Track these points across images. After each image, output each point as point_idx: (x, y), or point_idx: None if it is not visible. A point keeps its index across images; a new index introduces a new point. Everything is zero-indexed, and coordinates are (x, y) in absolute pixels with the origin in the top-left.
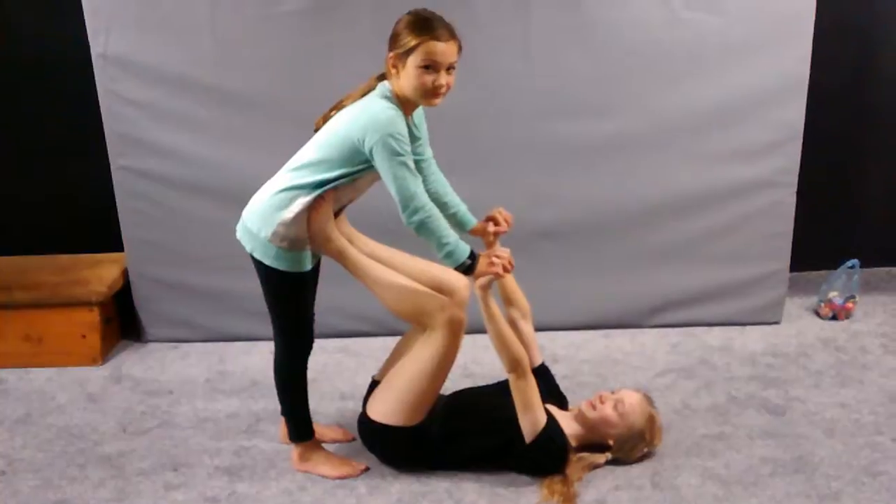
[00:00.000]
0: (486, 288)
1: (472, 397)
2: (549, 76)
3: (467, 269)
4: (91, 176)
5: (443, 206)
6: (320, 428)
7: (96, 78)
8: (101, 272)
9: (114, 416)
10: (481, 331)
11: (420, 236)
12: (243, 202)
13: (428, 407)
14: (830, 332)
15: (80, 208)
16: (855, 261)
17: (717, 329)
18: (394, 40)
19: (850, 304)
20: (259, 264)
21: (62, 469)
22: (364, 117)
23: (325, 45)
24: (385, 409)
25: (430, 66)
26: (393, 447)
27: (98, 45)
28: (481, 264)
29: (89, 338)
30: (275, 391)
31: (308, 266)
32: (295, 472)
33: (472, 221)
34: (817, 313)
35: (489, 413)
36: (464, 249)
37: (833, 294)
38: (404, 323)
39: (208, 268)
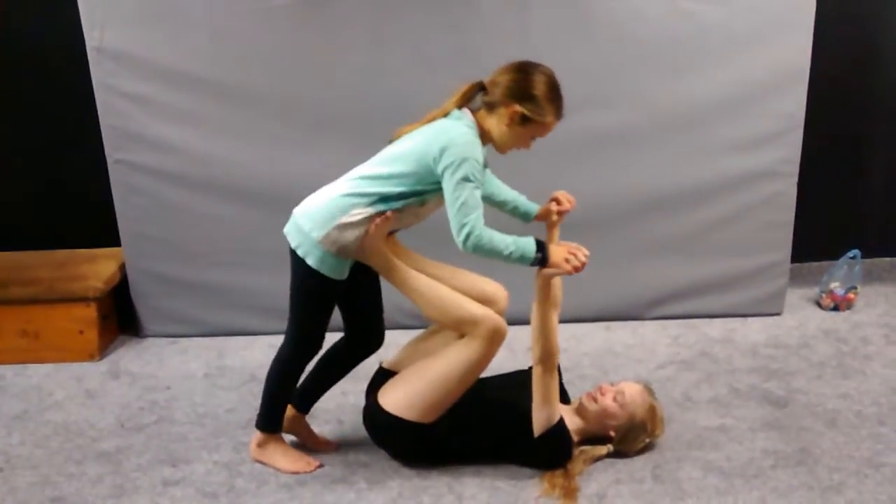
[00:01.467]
0: (550, 277)
1: (478, 389)
2: None
3: (538, 262)
4: (87, 170)
5: (500, 205)
6: (313, 435)
7: (92, 72)
8: (98, 267)
9: (112, 411)
10: None
11: (482, 257)
12: (239, 195)
13: (446, 409)
14: (832, 322)
15: (76, 203)
16: (856, 251)
17: (718, 321)
18: (528, 100)
19: (851, 295)
20: (300, 263)
21: (60, 465)
22: (445, 137)
23: (321, 38)
24: (401, 402)
25: (536, 138)
26: (401, 440)
27: (93, 38)
28: (558, 256)
29: (87, 333)
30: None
31: (345, 276)
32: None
33: (534, 208)
34: (819, 304)
35: (495, 405)
36: (529, 248)
37: (834, 285)
38: (408, 317)
39: (206, 262)
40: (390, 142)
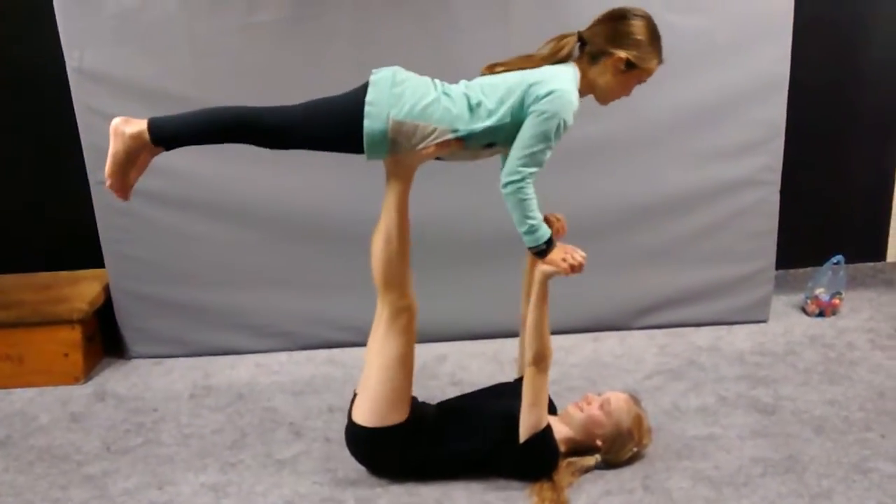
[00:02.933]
0: (548, 276)
1: (462, 403)
2: None
3: (540, 253)
4: (70, 191)
5: None
6: (138, 172)
7: (72, 92)
8: (81, 289)
9: (97, 434)
10: (468, 337)
11: (507, 203)
12: (223, 215)
13: (406, 400)
14: (818, 329)
15: (58, 224)
16: (840, 257)
17: (704, 329)
18: (633, 46)
19: (836, 301)
20: (359, 109)
21: (44, 492)
22: (554, 83)
23: (303, 55)
24: (366, 412)
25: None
26: (381, 451)
27: (73, 59)
28: (555, 255)
29: (71, 356)
30: (261, 403)
31: (370, 154)
32: (282, 488)
33: None
34: (804, 310)
35: (479, 416)
36: (544, 233)
37: (819, 291)
38: None
39: (191, 282)
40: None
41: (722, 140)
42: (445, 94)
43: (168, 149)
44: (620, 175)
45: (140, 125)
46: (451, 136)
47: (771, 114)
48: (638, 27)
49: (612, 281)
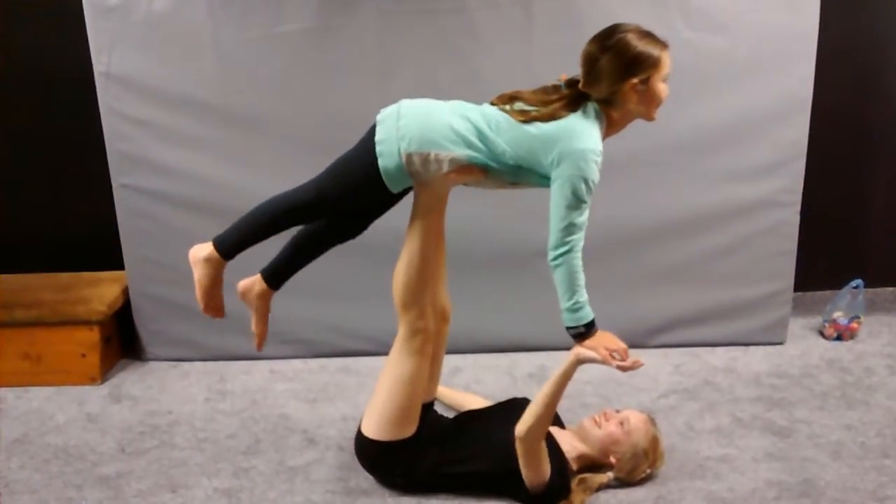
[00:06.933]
0: (582, 362)
1: (476, 421)
2: None
3: (579, 335)
4: (92, 194)
5: None
6: (264, 317)
7: (99, 96)
8: (101, 290)
9: (112, 436)
10: (483, 351)
11: (556, 276)
12: None
13: (413, 417)
14: (835, 352)
15: (81, 226)
16: (859, 280)
17: (720, 349)
18: (636, 64)
19: (854, 325)
20: (371, 149)
21: (59, 490)
22: (576, 142)
23: (328, 64)
24: (374, 425)
25: (666, 77)
26: (386, 463)
27: (101, 63)
28: (597, 341)
29: (89, 357)
30: (276, 409)
31: (396, 190)
32: (295, 496)
33: None
34: (822, 334)
35: (493, 440)
36: (587, 315)
37: (838, 314)
38: None
39: None
40: (491, 104)
41: (743, 160)
42: (459, 118)
43: (230, 257)
44: (639, 194)
45: (208, 247)
46: (466, 161)
47: (793, 135)
48: (629, 48)
49: (628, 298)
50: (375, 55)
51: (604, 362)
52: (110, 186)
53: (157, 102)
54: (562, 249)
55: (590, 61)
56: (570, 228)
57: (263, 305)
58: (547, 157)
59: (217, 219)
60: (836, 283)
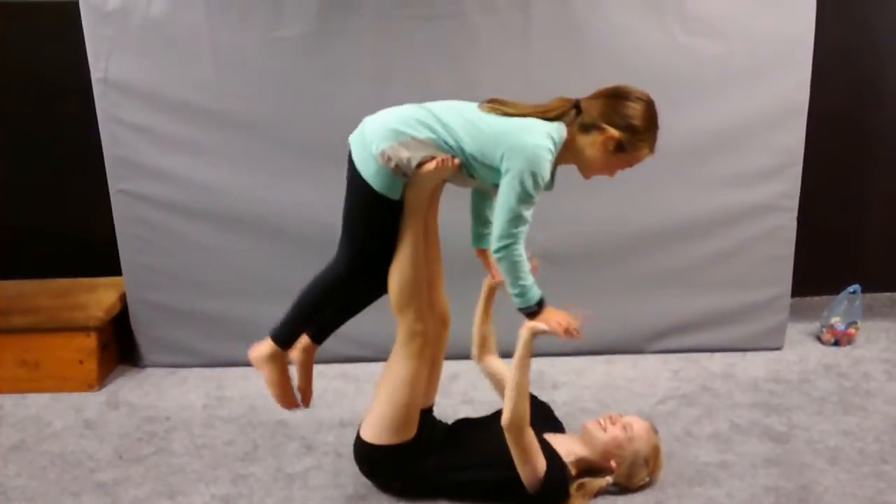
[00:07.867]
0: (536, 334)
1: (474, 428)
2: None
3: (532, 313)
4: (89, 200)
5: (475, 218)
6: (309, 373)
7: (96, 102)
8: (98, 297)
9: (110, 442)
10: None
11: (500, 267)
12: (243, 226)
13: (412, 420)
14: (833, 358)
15: (78, 232)
16: (856, 286)
17: (718, 355)
18: (627, 129)
19: (852, 330)
20: (356, 177)
21: (56, 497)
22: (521, 139)
23: (326, 68)
24: (373, 429)
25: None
26: (383, 467)
27: (98, 69)
28: (550, 318)
29: (86, 363)
30: (273, 415)
31: (398, 196)
32: (292, 502)
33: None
34: (819, 339)
35: (490, 447)
36: (535, 295)
37: (835, 320)
38: None
39: (207, 292)
40: (484, 102)
41: (740, 165)
42: (418, 108)
43: (288, 347)
44: (637, 199)
45: (268, 345)
46: (429, 143)
47: (789, 140)
48: (636, 111)
49: (626, 304)
50: (374, 60)
51: (553, 332)
52: (108, 192)
53: (155, 108)
54: (507, 241)
55: (616, 93)
56: (515, 221)
57: (305, 359)
58: (499, 150)
59: (215, 224)
60: (834, 288)
